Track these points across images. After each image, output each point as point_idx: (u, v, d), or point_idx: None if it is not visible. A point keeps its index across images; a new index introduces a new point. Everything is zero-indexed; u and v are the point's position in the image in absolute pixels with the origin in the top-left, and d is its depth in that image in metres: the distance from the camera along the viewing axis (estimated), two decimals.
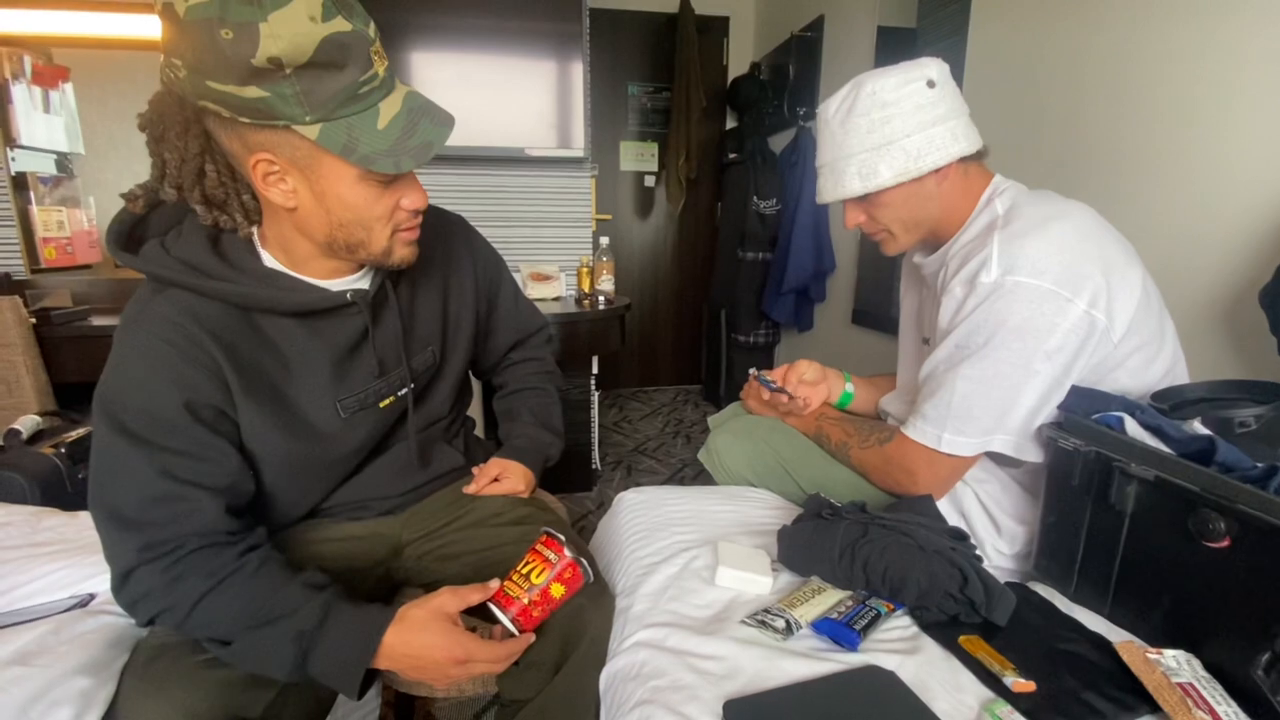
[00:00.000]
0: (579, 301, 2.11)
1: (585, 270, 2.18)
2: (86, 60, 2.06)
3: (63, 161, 2.14)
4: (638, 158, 3.56)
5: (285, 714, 0.71)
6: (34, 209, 2.06)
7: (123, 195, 0.71)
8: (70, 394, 1.61)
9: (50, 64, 2.05)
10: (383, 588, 0.94)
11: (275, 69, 0.57)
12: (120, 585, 0.66)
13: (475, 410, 2.13)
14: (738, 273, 3.09)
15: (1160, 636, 0.70)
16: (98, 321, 1.75)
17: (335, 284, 0.77)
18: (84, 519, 0.95)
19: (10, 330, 1.49)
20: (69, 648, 0.64)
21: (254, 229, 0.75)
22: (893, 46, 2.35)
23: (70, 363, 1.63)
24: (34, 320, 1.59)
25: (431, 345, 0.90)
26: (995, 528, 0.95)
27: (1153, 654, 0.66)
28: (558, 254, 2.29)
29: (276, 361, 0.75)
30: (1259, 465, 0.63)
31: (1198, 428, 0.69)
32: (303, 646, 0.65)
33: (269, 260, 0.75)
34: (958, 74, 1.84)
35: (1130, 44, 1.32)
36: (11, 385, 1.49)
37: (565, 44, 2.02)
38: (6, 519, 0.94)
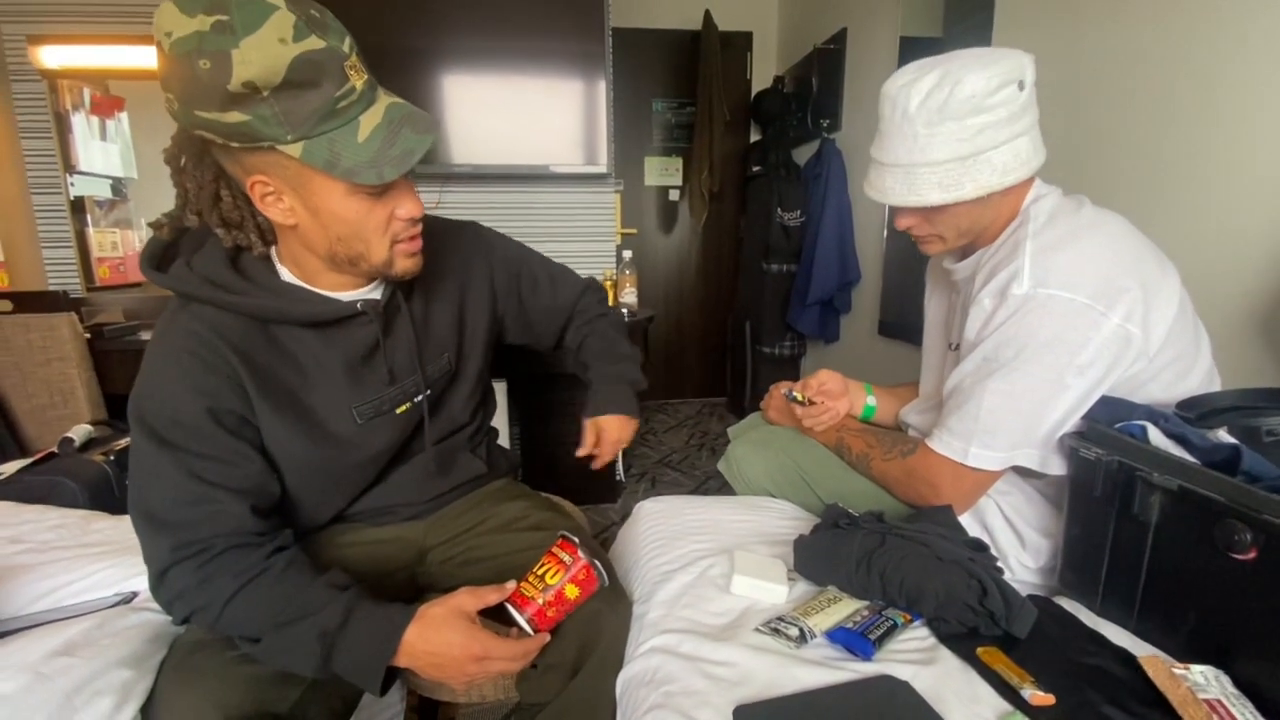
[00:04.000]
0: None
1: (609, 283, 2.21)
2: (140, 90, 2.19)
3: (117, 186, 2.27)
4: (662, 172, 3.60)
5: (312, 710, 0.74)
6: (90, 231, 2.19)
7: (150, 224, 0.76)
8: (120, 404, 1.69)
9: (107, 94, 2.19)
10: (407, 592, 0.96)
11: (252, 92, 0.60)
12: (157, 584, 0.69)
13: (501, 420, 2.16)
14: (762, 285, 3.09)
15: (1188, 651, 0.68)
16: (146, 336, 1.84)
17: (347, 295, 0.80)
18: (129, 522, 1.00)
19: (66, 345, 1.58)
20: (112, 641, 0.68)
21: (271, 247, 0.79)
22: (916, 56, 2.34)
23: (120, 375, 1.72)
24: (88, 335, 1.68)
25: (447, 352, 0.92)
26: (1019, 540, 0.93)
27: (1179, 669, 0.64)
28: (583, 267, 2.32)
29: (293, 370, 0.78)
30: None
31: (1223, 436, 0.67)
32: (327, 645, 0.68)
33: (286, 275, 0.79)
34: None
35: (1159, 48, 1.30)
36: (66, 396, 1.58)
37: (589, 63, 2.07)
38: (60, 522, 0.99)
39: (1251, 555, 0.61)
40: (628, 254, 2.23)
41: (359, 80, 0.67)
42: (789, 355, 3.15)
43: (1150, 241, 0.88)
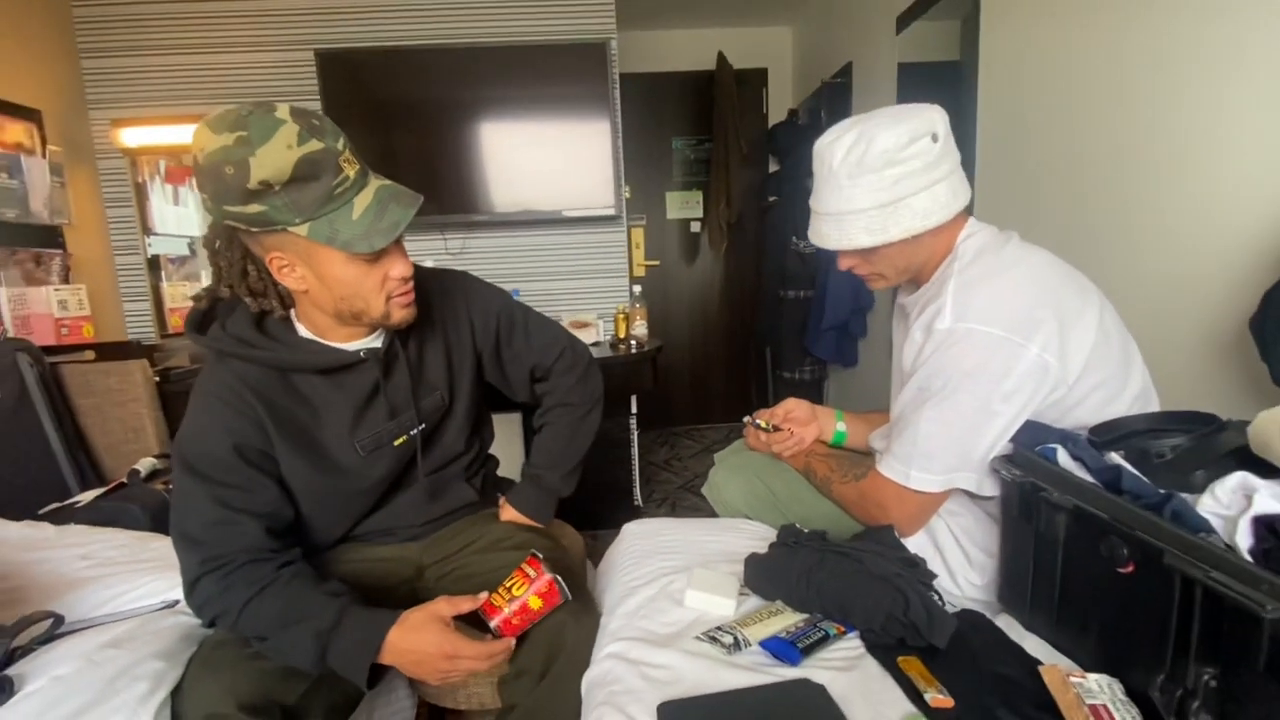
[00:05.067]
0: (613, 346, 2.26)
1: (622, 317, 2.33)
2: None
3: (190, 243, 2.56)
4: (683, 206, 3.73)
5: (316, 704, 0.86)
6: (164, 285, 2.48)
7: (191, 297, 0.93)
8: None
9: (180, 165, 2.49)
10: (409, 604, 1.06)
11: (266, 189, 0.75)
12: (189, 593, 0.84)
13: (517, 450, 2.28)
14: (780, 311, 3.15)
15: (1093, 661, 0.72)
16: None
17: (352, 345, 0.94)
18: None
19: (139, 387, 1.80)
20: (151, 638, 0.82)
21: (291, 310, 0.94)
22: (917, 83, 2.39)
23: (183, 413, 1.92)
24: (157, 379, 1.91)
25: (439, 389, 1.04)
26: (967, 559, 0.98)
27: (1076, 677, 0.69)
28: (597, 303, 2.46)
29: (307, 411, 0.93)
30: (1163, 493, 0.66)
31: (1114, 459, 0.72)
32: (322, 643, 0.80)
33: (303, 331, 0.93)
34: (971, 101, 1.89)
35: (1137, 70, 1.34)
36: (138, 432, 1.80)
37: (596, 113, 2.23)
38: (124, 542, 1.16)
39: (1130, 569, 0.66)
40: (637, 289, 2.35)
41: (352, 170, 0.81)
42: (809, 380, 3.18)
43: (1074, 274, 0.93)
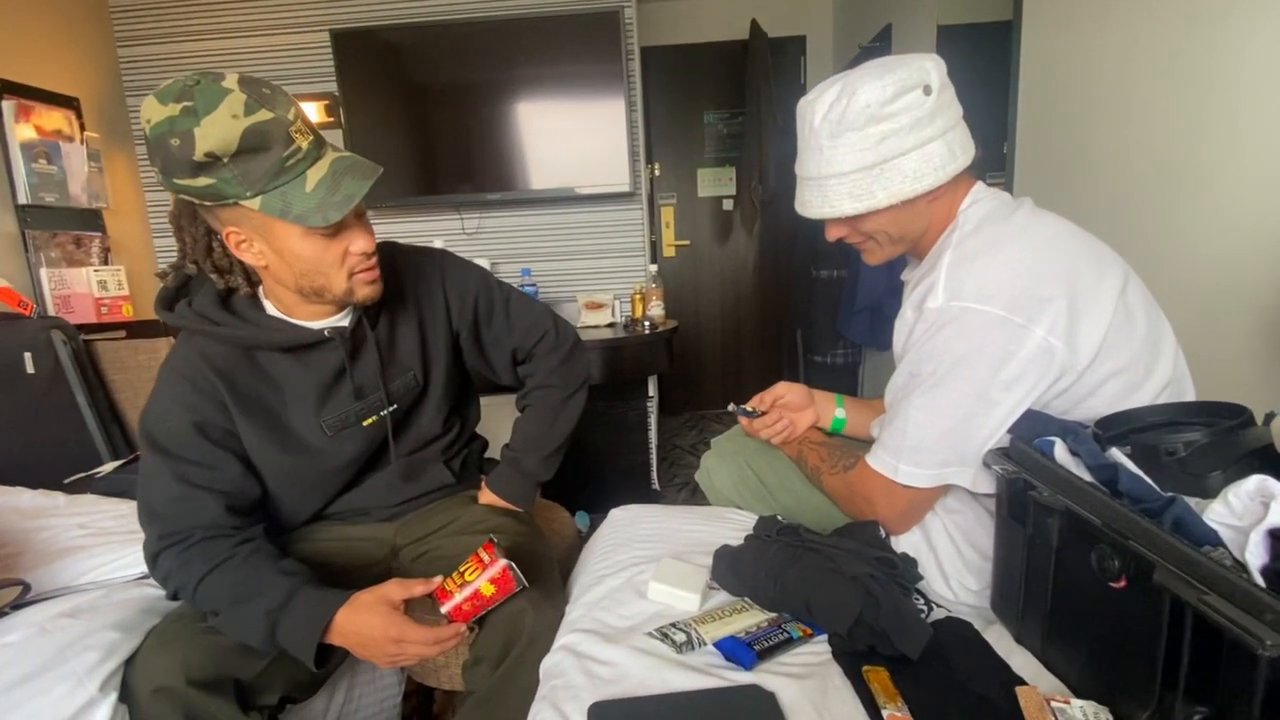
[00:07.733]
0: (627, 327, 2.21)
1: (639, 297, 2.28)
2: None
3: None
4: (715, 183, 3.61)
5: (277, 680, 0.86)
6: None
7: (157, 274, 0.92)
8: None
9: None
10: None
11: (213, 160, 0.73)
12: (152, 566, 0.85)
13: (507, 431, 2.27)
14: (812, 292, 3.02)
15: (1082, 683, 0.64)
16: None
17: (319, 323, 0.93)
18: None
19: None
20: (111, 609, 0.84)
21: (259, 287, 0.92)
22: (957, 45, 2.22)
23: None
24: None
25: (412, 370, 1.02)
26: (962, 561, 0.89)
27: (1058, 702, 0.61)
28: (613, 283, 2.40)
29: (271, 389, 0.92)
30: (1165, 496, 0.57)
31: (1116, 455, 0.63)
32: (271, 621, 0.80)
33: (271, 309, 0.92)
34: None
35: (1195, 38, 1.19)
36: None
37: (612, 86, 2.16)
38: (124, 512, 1.20)
39: (1123, 584, 0.57)
40: (653, 268, 2.29)
41: (304, 141, 0.79)
42: (842, 364, 3.05)
43: (1093, 243, 0.82)
